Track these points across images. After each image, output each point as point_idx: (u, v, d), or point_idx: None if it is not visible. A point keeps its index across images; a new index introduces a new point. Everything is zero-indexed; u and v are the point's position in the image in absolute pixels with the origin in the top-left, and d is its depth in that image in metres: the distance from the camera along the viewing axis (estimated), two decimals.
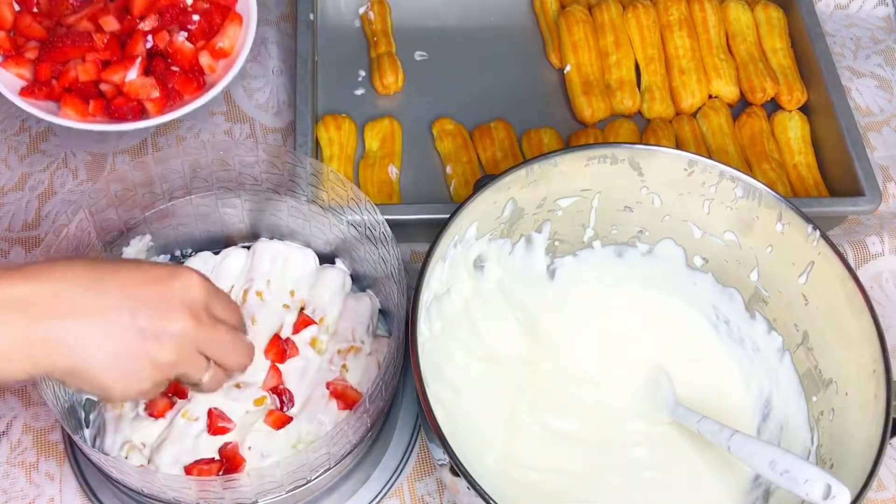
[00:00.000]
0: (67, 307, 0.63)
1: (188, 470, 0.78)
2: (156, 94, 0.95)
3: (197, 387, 0.73)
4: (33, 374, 0.64)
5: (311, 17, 1.08)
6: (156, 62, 0.97)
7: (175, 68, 0.97)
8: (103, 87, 0.95)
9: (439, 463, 0.77)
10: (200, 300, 0.69)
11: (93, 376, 0.65)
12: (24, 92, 0.95)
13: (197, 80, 0.98)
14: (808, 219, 0.79)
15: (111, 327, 0.65)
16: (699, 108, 1.09)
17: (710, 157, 0.83)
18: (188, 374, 0.70)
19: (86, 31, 0.94)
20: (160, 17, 0.97)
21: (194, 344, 0.69)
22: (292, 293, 0.88)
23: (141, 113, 0.96)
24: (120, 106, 0.94)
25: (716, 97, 1.10)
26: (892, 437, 0.70)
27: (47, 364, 0.64)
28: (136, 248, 0.88)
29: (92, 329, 0.64)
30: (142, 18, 0.97)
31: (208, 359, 0.72)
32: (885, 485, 0.89)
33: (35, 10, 0.98)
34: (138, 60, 0.94)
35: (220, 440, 0.80)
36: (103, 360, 0.65)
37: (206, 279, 0.71)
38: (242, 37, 1.01)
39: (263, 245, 0.91)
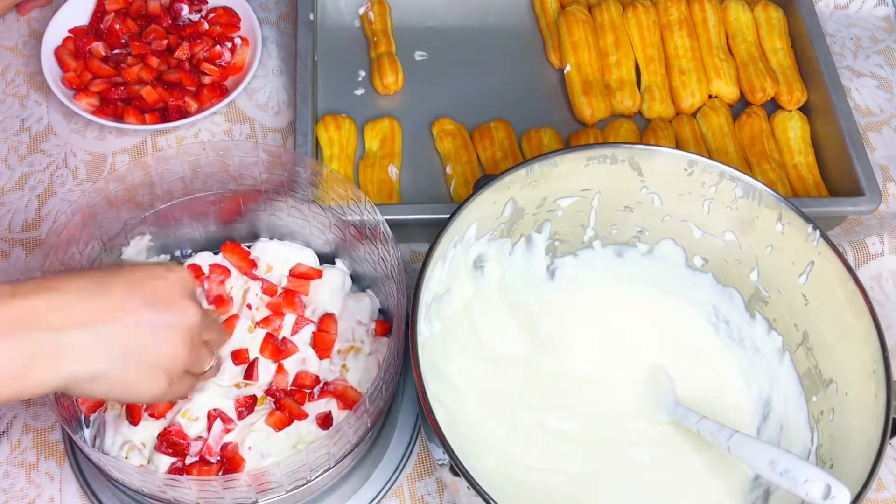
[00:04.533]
0: (81, 315, 0.64)
1: (188, 470, 0.78)
2: (195, 105, 1.07)
3: (203, 376, 0.76)
4: (57, 386, 0.64)
5: (311, 17, 1.08)
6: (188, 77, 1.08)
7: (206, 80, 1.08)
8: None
9: (439, 463, 0.77)
10: (195, 289, 0.72)
11: (113, 379, 0.66)
12: (98, 113, 1.04)
13: (220, 88, 1.08)
14: (808, 219, 0.79)
15: (125, 328, 0.66)
16: (699, 108, 1.09)
17: (710, 157, 0.83)
18: (199, 362, 0.72)
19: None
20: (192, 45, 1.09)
21: (200, 331, 0.71)
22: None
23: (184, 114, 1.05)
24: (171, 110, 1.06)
25: (716, 97, 1.10)
26: (892, 437, 0.70)
27: (69, 374, 0.64)
28: (136, 248, 0.88)
29: (106, 332, 0.65)
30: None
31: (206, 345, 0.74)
32: (885, 485, 0.89)
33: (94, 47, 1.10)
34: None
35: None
36: (119, 360, 0.66)
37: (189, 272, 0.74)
38: (250, 57, 1.10)
39: (263, 245, 0.91)
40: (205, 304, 0.74)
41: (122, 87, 1.05)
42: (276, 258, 0.90)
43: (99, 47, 1.07)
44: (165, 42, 1.08)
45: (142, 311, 0.67)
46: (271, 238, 0.92)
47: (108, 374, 0.65)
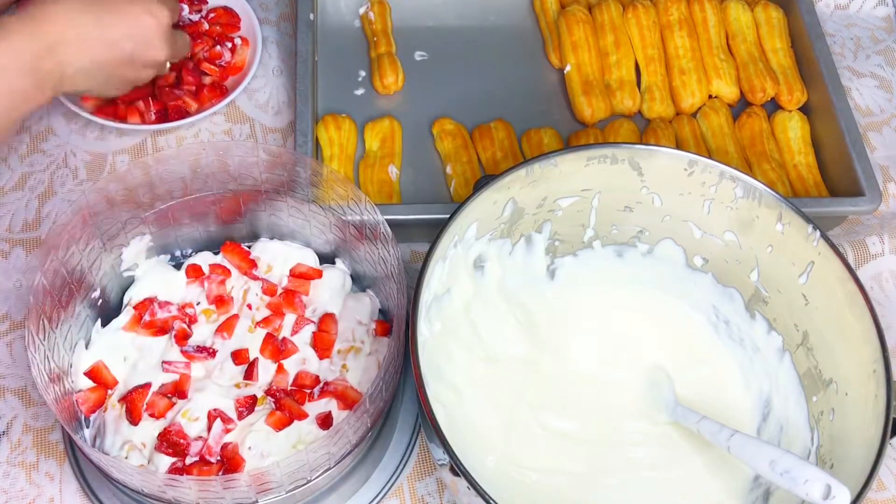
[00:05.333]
0: (65, 23, 0.78)
1: (188, 470, 0.78)
2: (195, 105, 1.07)
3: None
4: (39, 81, 0.76)
5: (311, 17, 1.08)
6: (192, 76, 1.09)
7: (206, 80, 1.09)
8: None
9: (439, 463, 0.77)
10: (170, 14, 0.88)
11: (79, 81, 0.81)
12: (98, 113, 1.05)
13: (220, 88, 1.08)
14: (808, 219, 0.79)
15: (102, 40, 0.81)
16: (699, 108, 1.09)
17: (710, 157, 0.83)
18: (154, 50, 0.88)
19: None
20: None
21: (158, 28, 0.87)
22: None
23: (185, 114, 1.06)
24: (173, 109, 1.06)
25: (716, 97, 1.10)
26: (892, 437, 0.70)
27: (48, 70, 0.77)
28: (136, 248, 0.88)
29: (86, 38, 0.79)
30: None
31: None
32: (885, 485, 0.89)
33: None
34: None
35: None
36: (89, 68, 0.81)
37: None
38: (250, 57, 1.10)
39: (263, 245, 0.91)
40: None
41: None
42: (276, 258, 0.90)
43: None
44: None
45: (122, 37, 0.85)
46: (271, 238, 0.92)
47: (75, 75, 0.81)
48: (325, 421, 0.81)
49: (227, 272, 0.89)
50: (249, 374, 0.83)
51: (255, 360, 0.84)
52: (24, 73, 0.77)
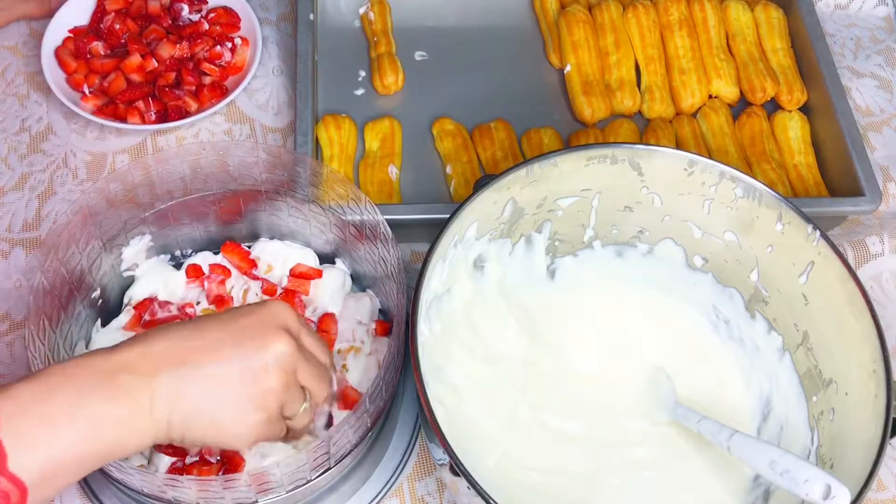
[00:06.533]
0: (178, 358, 0.65)
1: (188, 470, 0.78)
2: (195, 105, 1.07)
3: (290, 422, 0.72)
4: (155, 435, 0.65)
5: (311, 17, 1.08)
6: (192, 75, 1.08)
7: (206, 80, 1.08)
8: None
9: (439, 463, 0.77)
10: (294, 325, 0.70)
11: (206, 421, 0.66)
12: (98, 113, 1.05)
13: (220, 88, 1.08)
14: (808, 219, 0.79)
15: (219, 367, 0.66)
16: (699, 108, 1.09)
17: (710, 157, 0.83)
18: (290, 402, 0.70)
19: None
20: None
21: (294, 367, 0.69)
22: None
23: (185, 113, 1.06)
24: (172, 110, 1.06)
25: (716, 97, 1.10)
26: (892, 437, 0.70)
27: (165, 420, 0.64)
28: (135, 248, 0.88)
29: (194, 375, 0.65)
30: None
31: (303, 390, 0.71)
32: (885, 485, 0.89)
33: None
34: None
35: None
36: (217, 399, 0.66)
37: (293, 309, 0.72)
38: (250, 57, 1.10)
39: (263, 245, 0.91)
40: (308, 345, 0.71)
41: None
42: (276, 258, 0.90)
43: (99, 47, 1.07)
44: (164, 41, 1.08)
45: (234, 348, 0.67)
46: (271, 238, 0.92)
47: (199, 416, 0.66)
48: (325, 421, 0.81)
49: (227, 272, 0.89)
50: None
51: None
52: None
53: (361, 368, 0.85)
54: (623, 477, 0.82)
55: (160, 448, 0.79)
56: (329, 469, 0.76)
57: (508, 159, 1.03)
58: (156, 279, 0.89)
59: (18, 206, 1.01)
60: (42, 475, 0.59)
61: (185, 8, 1.10)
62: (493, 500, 0.67)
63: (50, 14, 1.09)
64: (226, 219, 0.91)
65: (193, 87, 1.06)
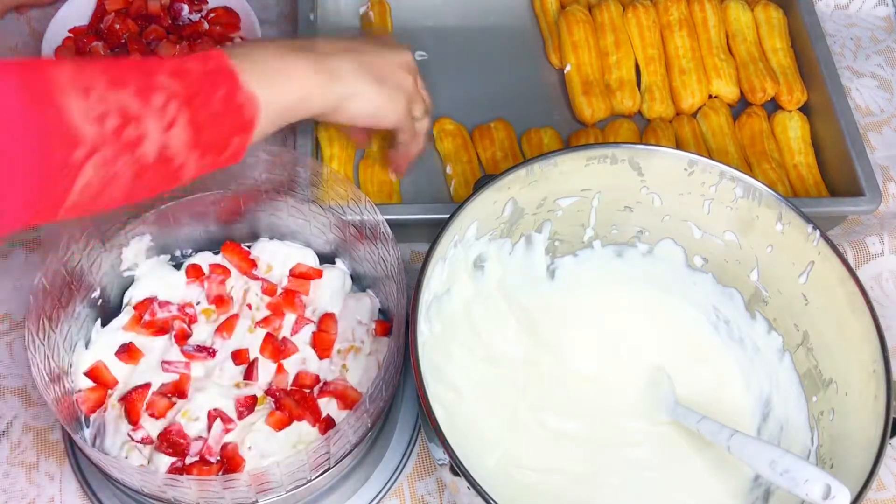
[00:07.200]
0: (342, 44, 0.82)
1: (188, 470, 0.78)
2: None
3: (417, 123, 0.89)
4: (331, 103, 0.79)
5: (311, 16, 1.08)
6: None
7: None
8: None
9: (439, 463, 0.77)
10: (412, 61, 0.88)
11: (367, 98, 0.81)
12: None
13: None
14: (808, 219, 0.79)
15: (375, 57, 0.83)
16: (699, 108, 1.09)
17: (710, 157, 0.83)
18: (416, 103, 0.87)
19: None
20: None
21: (417, 75, 0.87)
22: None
23: None
24: None
25: (716, 97, 1.10)
26: (892, 437, 0.70)
27: (340, 93, 0.79)
28: (135, 248, 0.88)
29: (361, 59, 0.81)
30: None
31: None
32: (885, 485, 0.89)
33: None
34: None
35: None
36: (373, 82, 0.81)
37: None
38: None
39: (263, 245, 0.91)
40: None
41: None
42: (276, 258, 0.90)
43: (99, 47, 1.07)
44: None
45: (378, 55, 0.83)
46: (271, 238, 0.92)
47: (364, 93, 0.80)
48: (326, 421, 0.81)
49: (227, 272, 0.89)
50: (249, 374, 0.83)
51: (255, 360, 0.84)
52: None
53: (361, 368, 0.85)
54: (623, 477, 0.82)
55: (160, 448, 0.79)
56: (329, 469, 0.77)
57: (508, 159, 1.03)
58: (156, 279, 0.89)
59: None
60: (266, 103, 0.72)
61: (185, 8, 1.10)
62: (493, 500, 0.67)
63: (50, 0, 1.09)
64: (226, 219, 0.91)
65: None
